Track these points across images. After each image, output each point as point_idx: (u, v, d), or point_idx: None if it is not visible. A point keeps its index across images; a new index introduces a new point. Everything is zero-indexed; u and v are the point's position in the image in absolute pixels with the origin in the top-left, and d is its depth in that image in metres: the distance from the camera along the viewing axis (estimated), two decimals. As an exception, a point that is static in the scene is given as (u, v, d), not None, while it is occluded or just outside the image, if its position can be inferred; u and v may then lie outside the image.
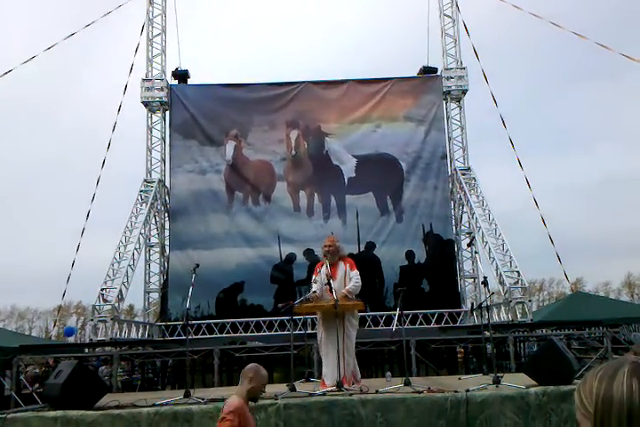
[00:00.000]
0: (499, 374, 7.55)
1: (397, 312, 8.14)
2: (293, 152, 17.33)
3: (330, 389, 6.88)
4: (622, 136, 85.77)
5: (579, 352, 11.79)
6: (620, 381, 1.10)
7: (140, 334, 14.91)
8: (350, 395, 6.53)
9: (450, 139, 17.83)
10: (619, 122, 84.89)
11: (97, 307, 13.14)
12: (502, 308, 13.73)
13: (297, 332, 11.81)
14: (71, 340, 25.59)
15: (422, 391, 6.68)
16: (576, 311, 15.39)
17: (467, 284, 17.14)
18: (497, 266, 13.85)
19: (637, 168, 77.22)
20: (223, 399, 6.84)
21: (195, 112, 17.48)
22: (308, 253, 15.73)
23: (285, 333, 14.11)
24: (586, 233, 61.31)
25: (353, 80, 18.29)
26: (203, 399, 6.70)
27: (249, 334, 15.19)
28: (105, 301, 13.24)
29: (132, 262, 14.54)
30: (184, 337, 13.18)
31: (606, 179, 75.77)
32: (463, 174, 16.88)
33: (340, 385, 6.77)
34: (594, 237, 63.34)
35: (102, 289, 13.44)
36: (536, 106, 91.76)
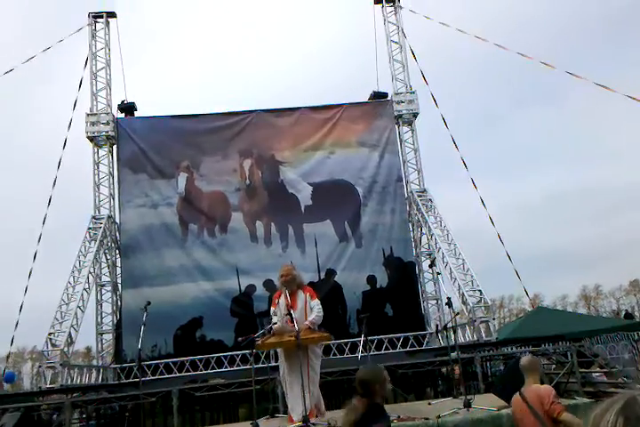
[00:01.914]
0: (469, 397, 7.34)
1: (362, 339, 7.90)
2: (248, 182, 17.07)
3: (297, 425, 6.55)
4: (562, 155, 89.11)
5: (545, 368, 11.70)
6: (607, 419, 1.08)
7: (94, 379, 14.13)
8: (317, 430, 6.20)
9: (404, 162, 17.92)
10: (561, 141, 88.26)
11: (45, 353, 12.39)
12: (467, 328, 13.61)
13: (259, 365, 11.42)
14: (7, 387, 24.07)
15: (392, 421, 6.41)
16: (538, 327, 15.44)
17: (430, 305, 17.01)
18: (459, 286, 13.79)
19: (579, 186, 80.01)
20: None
21: (143, 145, 17.09)
22: (268, 283, 15.33)
23: (248, 367, 13.61)
24: (538, 249, 62.64)
25: (305, 107, 18.30)
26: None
27: (210, 371, 14.60)
28: (53, 345, 12.50)
29: (81, 304, 13.80)
30: (136, 379, 12.54)
31: (551, 196, 78.14)
32: (419, 196, 16.92)
33: (306, 420, 6.44)
34: (547, 252, 64.90)
35: (50, 333, 12.71)
36: (486, 126, 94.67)
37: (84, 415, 12.33)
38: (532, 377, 4.66)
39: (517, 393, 4.62)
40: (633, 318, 28.40)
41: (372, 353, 8.50)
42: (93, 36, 18.28)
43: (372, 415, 3.27)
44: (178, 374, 14.52)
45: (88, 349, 45.59)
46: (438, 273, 11.33)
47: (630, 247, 69.07)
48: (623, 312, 38.09)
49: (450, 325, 9.26)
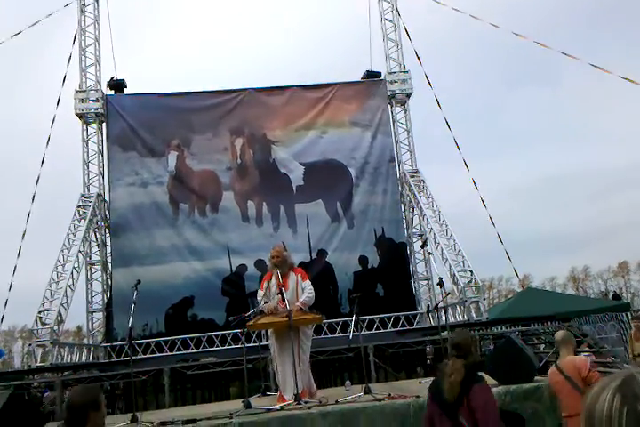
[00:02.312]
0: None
1: (354, 319, 7.90)
2: (239, 161, 16.91)
3: (288, 403, 6.58)
4: (556, 136, 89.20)
5: (535, 348, 11.82)
6: (604, 397, 1.08)
7: (85, 357, 14.11)
8: (309, 408, 6.23)
9: (397, 142, 17.81)
10: (557, 123, 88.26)
11: (35, 331, 12.34)
12: (457, 308, 13.69)
13: (250, 344, 11.44)
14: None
15: (383, 399, 6.46)
16: (528, 307, 15.58)
17: (421, 286, 17.07)
18: (450, 266, 13.82)
19: (572, 168, 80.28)
20: (173, 422, 6.43)
21: (133, 123, 16.83)
22: (260, 263, 15.28)
23: (239, 346, 13.65)
24: (529, 230, 63.10)
25: (297, 86, 18.08)
26: (152, 423, 6.31)
27: (201, 349, 14.63)
28: (43, 324, 12.43)
29: (70, 282, 13.70)
30: (127, 358, 12.54)
31: (544, 178, 78.40)
32: (412, 177, 16.86)
33: (298, 398, 6.47)
34: (537, 234, 65.40)
35: (40, 312, 12.64)
36: (480, 107, 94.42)
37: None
38: (565, 349, 4.90)
39: (553, 365, 4.86)
40: (621, 299, 28.73)
41: (363, 333, 8.52)
42: (82, 11, 17.86)
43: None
44: (169, 353, 14.54)
45: (79, 328, 45.71)
46: (430, 253, 11.37)
47: (619, 230, 69.79)
48: (611, 293, 38.57)
49: (441, 305, 9.29)
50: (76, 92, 16.92)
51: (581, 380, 4.52)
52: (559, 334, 5.10)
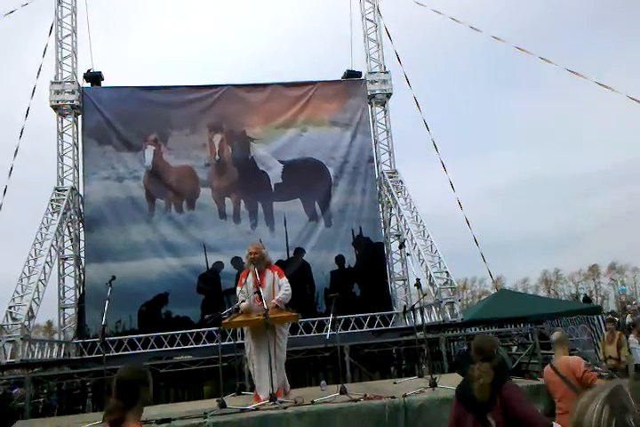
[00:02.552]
0: (434, 376, 7.41)
1: (331, 318, 7.88)
2: (217, 157, 16.77)
3: (263, 402, 6.53)
4: (531, 140, 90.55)
5: (508, 349, 11.95)
6: (593, 407, 1.09)
7: (55, 354, 13.85)
8: (285, 408, 6.19)
9: (376, 142, 17.85)
10: (533, 126, 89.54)
11: (5, 326, 12.05)
12: (433, 308, 13.76)
13: (226, 343, 11.34)
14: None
15: (359, 399, 6.45)
16: (502, 309, 15.74)
17: (397, 286, 17.13)
18: (426, 267, 13.88)
19: (546, 172, 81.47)
20: (147, 421, 6.32)
21: (109, 116, 16.56)
22: (236, 261, 15.18)
23: (214, 344, 13.52)
24: (503, 232, 63.94)
25: (277, 84, 18.00)
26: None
27: (175, 347, 14.47)
28: (14, 319, 12.16)
29: (42, 277, 13.41)
30: (101, 355, 12.33)
31: (519, 181, 79.47)
32: (390, 177, 16.90)
33: (274, 398, 6.43)
34: (511, 235, 66.28)
35: (10, 307, 12.35)
36: (459, 108, 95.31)
37: (45, 391, 12.11)
38: (561, 349, 5.06)
39: (548, 365, 4.91)
40: (591, 302, 29.31)
41: (338, 332, 8.50)
42: (60, 2, 17.53)
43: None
44: (142, 351, 14.35)
45: (49, 323, 44.97)
46: (408, 254, 11.38)
47: (590, 233, 71.10)
48: (582, 296, 39.29)
49: (417, 306, 9.32)
50: (52, 83, 16.59)
51: (576, 380, 4.62)
52: (555, 335, 5.25)
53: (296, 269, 15.66)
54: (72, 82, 16.75)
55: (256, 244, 7.95)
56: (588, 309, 16.56)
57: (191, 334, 14.80)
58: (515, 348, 12.47)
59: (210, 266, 15.77)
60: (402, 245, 10.05)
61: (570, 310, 16.20)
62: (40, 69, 16.68)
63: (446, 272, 13.76)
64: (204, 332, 14.50)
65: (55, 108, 16.52)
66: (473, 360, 3.72)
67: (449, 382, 7.08)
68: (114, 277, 7.64)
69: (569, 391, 4.58)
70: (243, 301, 7.20)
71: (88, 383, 11.44)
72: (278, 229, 16.38)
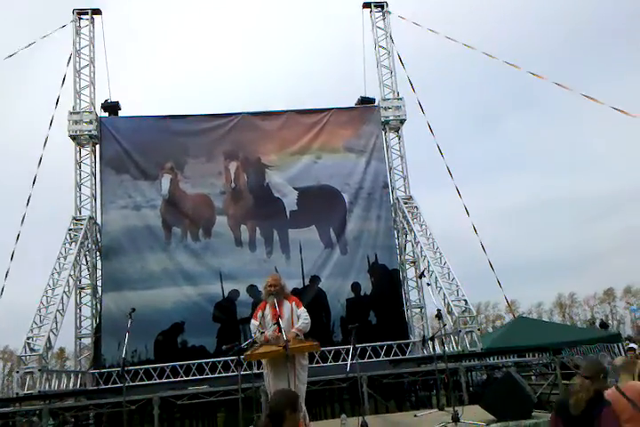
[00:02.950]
0: (456, 409, 7.26)
1: (351, 351, 7.79)
2: (233, 185, 16.88)
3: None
4: (545, 162, 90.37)
5: (528, 379, 11.73)
6: None
7: (72, 384, 13.77)
8: (308, 446, 6.07)
9: (390, 168, 17.88)
10: (547, 149, 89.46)
11: (23, 357, 12.03)
12: (452, 337, 13.56)
13: (243, 373, 11.22)
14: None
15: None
16: (520, 337, 15.51)
17: (413, 313, 16.93)
18: (444, 295, 13.74)
19: (560, 194, 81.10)
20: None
21: (127, 145, 16.79)
22: (252, 289, 15.18)
23: (230, 374, 13.41)
24: (516, 255, 63.38)
25: (292, 111, 18.17)
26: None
27: (191, 377, 14.35)
28: (32, 350, 12.15)
29: (60, 307, 13.44)
30: (120, 385, 12.24)
31: (532, 203, 79.07)
32: (405, 203, 16.88)
33: (294, 434, 6.28)
34: (524, 258, 65.62)
35: (28, 338, 12.34)
36: (472, 133, 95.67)
37: (59, 422, 12.03)
38: (626, 375, 5.08)
39: (614, 389, 4.96)
40: (608, 327, 28.80)
41: (357, 362, 8.38)
42: (77, 33, 17.95)
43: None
44: (158, 381, 14.25)
45: (62, 349, 44.80)
46: (428, 284, 11.25)
47: (605, 256, 70.23)
48: (598, 321, 38.60)
49: (438, 334, 9.20)
50: (70, 113, 16.89)
51: None
52: (619, 360, 5.32)
53: (312, 297, 15.58)
54: (90, 112, 17.05)
55: (274, 275, 7.87)
56: (609, 336, 16.27)
57: (207, 363, 14.70)
58: (533, 378, 12.24)
59: (226, 294, 15.73)
60: (422, 275, 9.99)
61: (590, 338, 15.92)
62: (58, 99, 17.02)
63: (464, 300, 13.60)
64: (219, 361, 14.40)
65: (73, 137, 16.78)
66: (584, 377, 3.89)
67: (471, 417, 6.94)
68: (134, 310, 7.61)
69: (637, 414, 4.66)
70: (262, 332, 7.12)
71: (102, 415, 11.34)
72: (294, 256, 16.36)
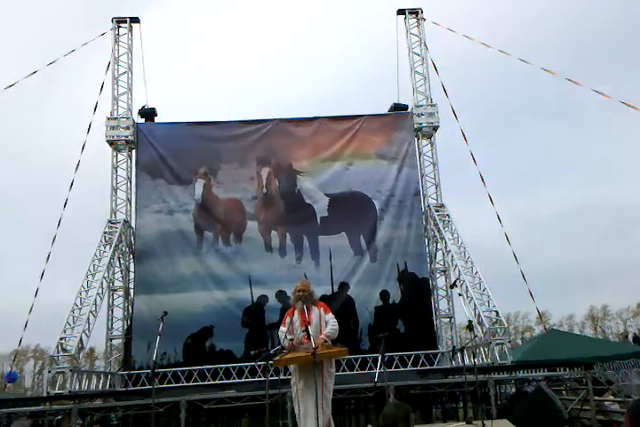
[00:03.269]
0: (484, 422, 7.16)
1: (379, 360, 7.76)
2: (264, 190, 17.00)
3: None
4: (580, 170, 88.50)
5: (559, 394, 11.46)
6: None
7: (101, 384, 14.01)
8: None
9: (422, 176, 17.75)
10: (579, 156, 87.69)
11: (55, 357, 12.29)
12: (482, 349, 13.34)
13: (270, 378, 11.24)
14: (9, 386, 24.16)
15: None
16: (551, 351, 15.18)
17: (442, 324, 16.73)
18: (475, 305, 13.52)
19: (595, 202, 79.25)
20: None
21: (162, 151, 17.09)
22: (280, 295, 15.24)
23: (257, 379, 13.46)
24: (547, 265, 61.92)
25: (324, 117, 18.22)
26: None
27: (218, 382, 14.45)
28: (64, 350, 12.39)
29: (93, 309, 13.68)
30: (148, 387, 12.37)
31: (563, 213, 77.43)
32: (437, 211, 16.73)
33: (318, 442, 6.28)
34: (555, 269, 64.09)
35: (61, 338, 12.60)
36: (505, 140, 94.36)
37: (87, 423, 12.22)
38: None
39: None
40: (642, 342, 27.88)
41: (384, 371, 8.32)
42: (116, 41, 18.37)
43: None
44: (185, 384, 14.38)
45: (92, 349, 45.58)
46: (459, 295, 11.10)
47: (638, 268, 68.20)
48: (631, 335, 37.50)
49: (469, 345, 9.06)
50: (108, 119, 17.26)
51: None
52: None
53: (340, 304, 15.55)
54: (127, 118, 17.40)
55: (303, 281, 7.91)
56: (643, 352, 15.81)
57: (234, 368, 14.79)
58: (564, 392, 11.95)
59: (255, 299, 15.81)
60: (453, 285, 9.86)
61: (623, 353, 15.50)
62: (96, 106, 17.41)
63: (495, 311, 13.38)
64: (246, 366, 14.48)
65: (111, 143, 17.15)
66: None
67: (500, 431, 6.82)
68: (165, 313, 7.69)
69: None
70: (291, 339, 7.12)
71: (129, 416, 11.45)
72: (323, 263, 16.36)
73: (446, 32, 18.48)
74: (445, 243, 15.80)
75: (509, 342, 13.22)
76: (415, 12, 19.18)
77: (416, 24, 19.13)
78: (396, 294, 16.28)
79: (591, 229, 76.71)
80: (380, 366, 7.89)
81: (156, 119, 17.94)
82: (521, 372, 12.63)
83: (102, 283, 14.34)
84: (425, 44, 18.84)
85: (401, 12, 19.22)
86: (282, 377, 8.54)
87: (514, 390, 13.01)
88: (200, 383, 14.39)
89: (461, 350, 9.38)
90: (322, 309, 7.29)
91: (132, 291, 16.25)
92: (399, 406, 3.59)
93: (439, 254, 17.08)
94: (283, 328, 7.25)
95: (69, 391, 11.79)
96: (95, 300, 13.80)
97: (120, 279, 16.40)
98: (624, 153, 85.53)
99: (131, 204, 16.94)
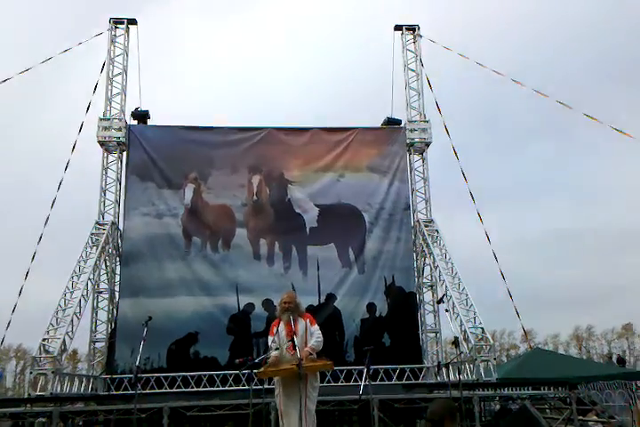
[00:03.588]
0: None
1: (365, 373, 7.74)
2: (255, 198, 16.95)
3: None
4: (569, 192, 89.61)
5: (543, 412, 11.49)
6: None
7: (83, 387, 13.79)
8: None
9: (413, 190, 17.83)
10: (567, 178, 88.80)
11: (37, 359, 12.08)
12: (466, 365, 13.35)
13: (254, 387, 11.15)
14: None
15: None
16: (537, 369, 15.27)
17: (428, 338, 16.71)
18: (461, 321, 13.55)
19: (582, 224, 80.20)
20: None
21: (153, 154, 16.96)
22: (267, 303, 15.17)
23: (241, 388, 13.33)
24: (532, 284, 62.32)
25: (318, 128, 18.26)
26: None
27: (201, 389, 14.29)
28: (47, 352, 12.19)
29: (77, 310, 13.47)
30: (131, 392, 12.22)
31: (550, 233, 78.21)
32: (426, 226, 16.80)
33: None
34: (541, 288, 64.51)
35: (44, 339, 12.40)
36: (496, 159, 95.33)
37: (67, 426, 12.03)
38: None
39: None
40: (625, 363, 28.18)
41: (368, 384, 8.30)
42: (112, 42, 18.28)
43: None
44: (169, 390, 14.20)
45: (74, 351, 45.00)
46: (446, 310, 11.14)
47: (625, 290, 68.89)
48: (615, 356, 37.84)
49: (455, 361, 9.07)
50: (100, 119, 17.12)
51: None
52: None
53: (327, 315, 15.51)
54: (120, 119, 17.29)
55: (290, 292, 7.92)
56: (629, 374, 15.95)
57: (218, 375, 14.64)
58: (548, 411, 11.98)
59: (241, 307, 15.69)
60: (440, 301, 9.84)
61: (607, 374, 15.62)
62: (89, 105, 17.29)
63: (481, 328, 13.42)
64: (230, 374, 14.34)
65: (102, 143, 16.99)
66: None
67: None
68: (150, 318, 7.64)
69: None
70: (277, 348, 7.10)
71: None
72: (311, 273, 16.31)
73: (442, 50, 18.72)
74: (433, 258, 15.86)
75: (494, 358, 13.24)
76: (412, 28, 19.36)
77: (412, 40, 19.30)
78: (382, 307, 16.25)
79: (579, 251, 77.57)
80: (366, 379, 7.87)
81: (149, 122, 17.80)
82: (506, 389, 12.66)
83: (87, 285, 14.14)
84: (420, 61, 19.01)
85: (398, 27, 19.38)
86: (266, 386, 8.48)
87: (498, 406, 13.04)
88: (184, 390, 14.23)
89: (447, 365, 9.36)
90: (308, 320, 7.29)
91: (117, 294, 16.01)
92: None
93: (427, 269, 17.12)
94: (271, 337, 7.23)
95: (51, 394, 11.60)
96: (80, 301, 13.58)
97: (105, 281, 16.16)
98: (612, 176, 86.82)
99: (119, 206, 16.78)
